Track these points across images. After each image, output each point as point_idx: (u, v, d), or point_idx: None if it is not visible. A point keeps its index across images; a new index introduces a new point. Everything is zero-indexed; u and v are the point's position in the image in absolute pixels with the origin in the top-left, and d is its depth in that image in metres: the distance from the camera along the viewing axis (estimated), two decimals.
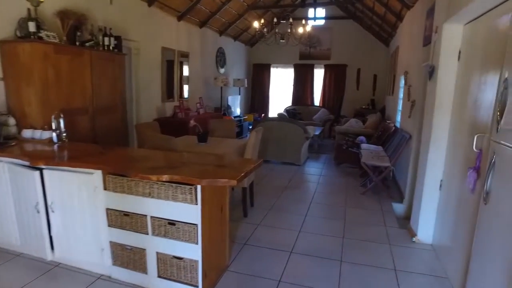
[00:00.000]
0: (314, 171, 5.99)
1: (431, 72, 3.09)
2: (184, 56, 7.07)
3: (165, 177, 2.08)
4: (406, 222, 3.78)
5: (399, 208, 4.37)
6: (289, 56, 10.57)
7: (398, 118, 6.05)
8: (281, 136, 6.23)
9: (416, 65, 4.51)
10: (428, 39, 3.80)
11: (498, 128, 1.84)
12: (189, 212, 2.18)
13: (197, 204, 2.15)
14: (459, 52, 2.88)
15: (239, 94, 9.75)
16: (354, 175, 5.76)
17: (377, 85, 9.95)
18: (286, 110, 10.21)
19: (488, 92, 2.23)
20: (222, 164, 2.52)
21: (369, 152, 5.25)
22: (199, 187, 2.11)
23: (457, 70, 2.91)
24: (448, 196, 2.94)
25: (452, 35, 2.91)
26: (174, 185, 2.15)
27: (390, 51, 8.73)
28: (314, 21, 9.79)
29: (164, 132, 5.93)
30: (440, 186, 3.13)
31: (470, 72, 2.64)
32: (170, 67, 6.60)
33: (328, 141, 9.27)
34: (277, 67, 10.98)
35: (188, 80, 7.25)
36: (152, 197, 2.24)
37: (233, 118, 8.07)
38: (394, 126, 5.88)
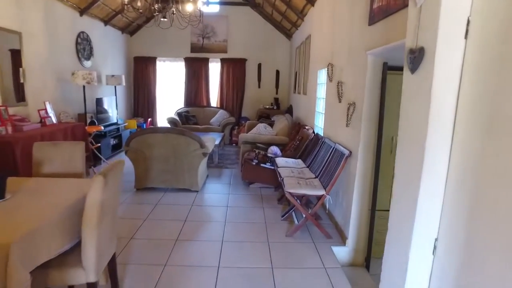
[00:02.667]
0: (218, 200, 4.40)
1: (419, 59, 1.80)
2: (15, 38, 4.67)
3: None
4: (356, 273, 2.55)
5: (341, 252, 3.15)
6: (178, 48, 8.78)
7: (317, 122, 4.91)
8: (169, 153, 4.45)
9: (351, 54, 3.32)
10: (379, 14, 2.58)
11: None
12: None
13: None
14: (467, 23, 1.65)
15: (115, 95, 7.51)
16: (271, 200, 4.39)
17: (280, 82, 8.93)
18: (178, 113, 8.37)
19: None
20: None
21: (289, 172, 3.92)
22: None
23: (464, 54, 1.68)
24: (451, 264, 1.71)
25: None
26: None
27: (295, 43, 7.70)
28: (207, 6, 8.18)
29: None
30: (434, 248, 1.89)
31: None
32: None
33: (230, 148, 7.83)
34: (164, 61, 9.03)
35: (24, 75, 4.86)
36: None
37: (102, 128, 5.89)
38: (314, 132, 4.71)
